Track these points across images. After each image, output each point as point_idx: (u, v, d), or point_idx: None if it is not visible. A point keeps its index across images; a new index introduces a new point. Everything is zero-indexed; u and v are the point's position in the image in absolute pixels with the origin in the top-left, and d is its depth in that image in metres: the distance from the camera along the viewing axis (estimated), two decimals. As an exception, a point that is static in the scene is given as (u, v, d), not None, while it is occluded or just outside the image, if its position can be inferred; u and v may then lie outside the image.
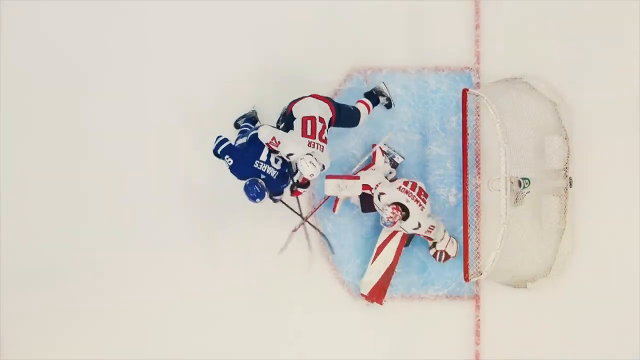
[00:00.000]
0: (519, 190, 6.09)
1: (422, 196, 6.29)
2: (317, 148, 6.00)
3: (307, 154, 5.94)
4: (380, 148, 6.54)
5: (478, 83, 6.67)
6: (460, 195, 6.54)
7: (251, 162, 6.06)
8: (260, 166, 6.07)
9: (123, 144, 6.73)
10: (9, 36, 6.74)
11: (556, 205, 6.46)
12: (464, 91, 6.33)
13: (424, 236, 6.34)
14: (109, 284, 6.72)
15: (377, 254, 6.47)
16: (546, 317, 6.61)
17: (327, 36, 6.70)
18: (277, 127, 6.27)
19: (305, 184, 6.28)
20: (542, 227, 6.46)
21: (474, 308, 6.68)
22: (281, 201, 6.34)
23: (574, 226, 6.54)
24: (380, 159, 6.55)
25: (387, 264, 6.45)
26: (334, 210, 6.51)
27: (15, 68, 6.74)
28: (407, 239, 6.48)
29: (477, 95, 6.30)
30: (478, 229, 6.50)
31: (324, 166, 6.03)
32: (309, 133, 6.03)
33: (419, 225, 6.22)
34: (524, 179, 6.12)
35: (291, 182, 6.22)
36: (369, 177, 6.35)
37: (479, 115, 6.61)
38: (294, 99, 6.15)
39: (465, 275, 6.26)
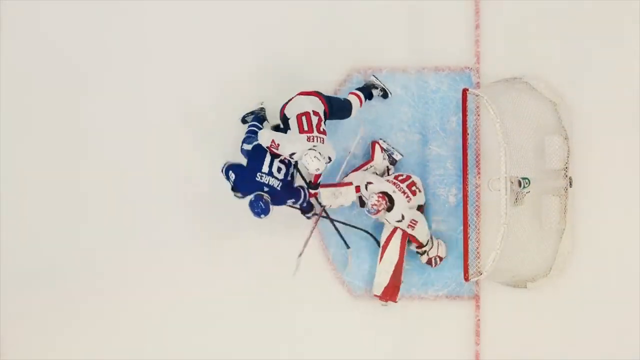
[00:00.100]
0: (519, 190, 6.08)
1: (411, 188, 6.29)
2: (317, 141, 5.99)
3: (310, 149, 5.94)
4: (379, 144, 6.56)
5: (478, 83, 6.67)
6: (460, 195, 6.54)
7: (253, 175, 6.04)
8: (263, 178, 6.04)
9: (123, 144, 6.73)
10: (9, 36, 6.74)
11: (556, 205, 6.46)
12: (464, 91, 6.33)
13: (413, 238, 6.33)
14: (109, 284, 6.72)
15: (382, 253, 6.47)
16: (546, 317, 6.61)
17: (327, 36, 6.70)
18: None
19: (317, 184, 6.27)
20: (542, 227, 6.45)
21: (474, 308, 6.68)
22: (316, 214, 6.40)
23: (574, 226, 6.53)
24: (378, 155, 6.56)
25: (393, 262, 6.44)
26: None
27: (15, 68, 6.74)
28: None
29: (477, 95, 6.30)
30: (478, 229, 6.50)
31: (330, 158, 6.03)
32: (305, 128, 6.02)
33: (403, 217, 6.22)
34: (524, 179, 6.12)
35: (305, 185, 6.25)
36: (357, 179, 6.37)
37: (479, 115, 6.61)
38: (281, 106, 6.18)
39: (465, 275, 6.26)
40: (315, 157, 5.91)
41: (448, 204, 6.69)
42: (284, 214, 6.45)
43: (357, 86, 6.58)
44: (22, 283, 6.71)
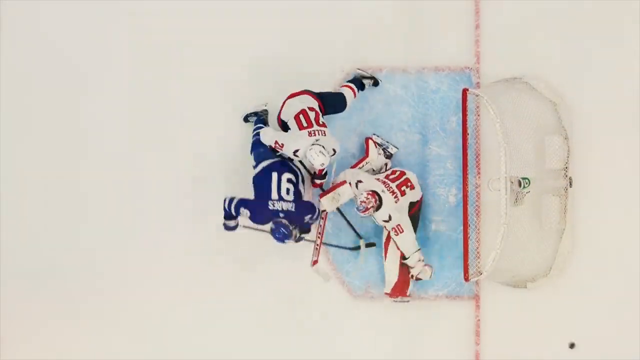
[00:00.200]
0: (519, 190, 6.08)
1: (402, 188, 6.28)
2: (319, 135, 6.03)
3: (313, 144, 5.96)
4: (372, 140, 6.56)
5: (478, 83, 6.67)
6: (460, 195, 6.53)
7: (265, 205, 6.02)
8: (275, 205, 6.03)
9: (123, 144, 6.73)
10: (9, 36, 6.74)
11: (556, 205, 6.46)
12: (464, 91, 6.34)
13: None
14: (109, 284, 6.71)
15: (385, 251, 6.46)
16: (546, 317, 6.61)
17: (327, 36, 6.70)
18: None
19: (322, 175, 6.29)
20: (542, 227, 6.46)
21: (474, 308, 6.68)
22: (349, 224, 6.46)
23: (574, 226, 6.53)
24: (373, 150, 6.55)
25: (396, 260, 6.43)
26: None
27: (15, 68, 6.74)
28: None
29: (477, 95, 6.30)
30: (478, 229, 6.50)
31: (334, 151, 6.06)
32: (305, 124, 6.07)
33: (390, 218, 6.20)
34: (524, 179, 6.12)
35: (309, 176, 6.28)
36: (348, 176, 6.36)
37: (479, 115, 6.61)
38: (277, 113, 6.23)
39: (465, 275, 6.26)
40: (320, 152, 5.94)
41: (448, 204, 6.69)
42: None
43: (347, 80, 6.58)
44: (22, 283, 6.71)
